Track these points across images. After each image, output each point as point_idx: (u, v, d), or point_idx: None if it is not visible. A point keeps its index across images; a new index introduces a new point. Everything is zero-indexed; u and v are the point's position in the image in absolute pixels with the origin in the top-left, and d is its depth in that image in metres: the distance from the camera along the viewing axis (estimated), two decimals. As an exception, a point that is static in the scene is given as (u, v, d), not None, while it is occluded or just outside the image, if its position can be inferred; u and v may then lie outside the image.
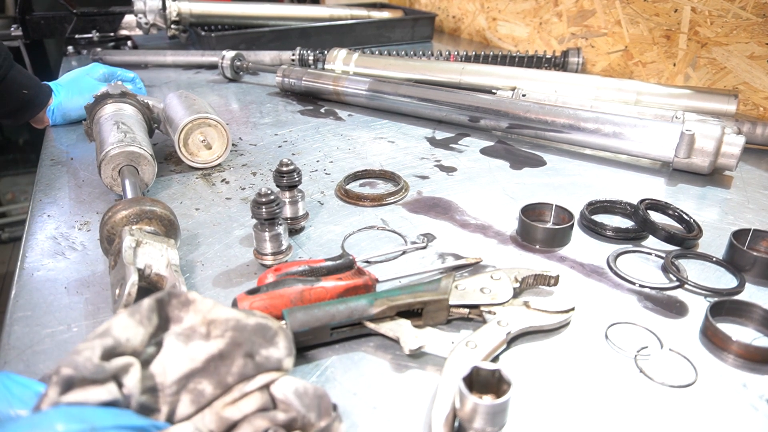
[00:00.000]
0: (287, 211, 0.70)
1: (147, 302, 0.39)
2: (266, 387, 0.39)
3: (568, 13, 1.52)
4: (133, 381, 0.36)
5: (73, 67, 1.50)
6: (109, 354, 0.36)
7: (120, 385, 0.36)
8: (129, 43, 1.76)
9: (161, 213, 0.61)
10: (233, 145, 1.00)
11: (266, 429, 0.37)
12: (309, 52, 1.45)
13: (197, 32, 1.65)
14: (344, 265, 0.58)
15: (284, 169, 0.67)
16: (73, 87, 1.07)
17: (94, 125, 0.88)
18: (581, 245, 0.69)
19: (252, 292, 0.53)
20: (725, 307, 0.55)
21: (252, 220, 0.71)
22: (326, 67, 1.37)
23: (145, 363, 0.39)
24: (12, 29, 1.74)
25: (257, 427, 0.36)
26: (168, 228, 0.62)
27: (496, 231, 0.72)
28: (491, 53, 1.43)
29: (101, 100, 0.89)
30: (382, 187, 0.85)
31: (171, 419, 0.37)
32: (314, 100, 1.26)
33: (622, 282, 0.61)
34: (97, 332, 0.38)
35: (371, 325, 0.51)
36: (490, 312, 0.53)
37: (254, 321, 0.40)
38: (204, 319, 0.40)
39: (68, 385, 0.34)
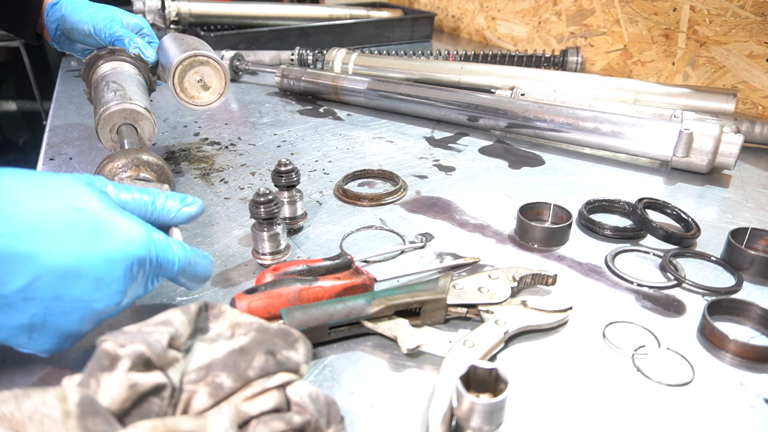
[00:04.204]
0: (286, 211, 0.70)
1: (194, 306, 0.41)
2: (283, 387, 0.39)
3: (567, 12, 1.52)
4: (176, 376, 0.37)
5: (73, 68, 1.51)
6: (169, 344, 0.38)
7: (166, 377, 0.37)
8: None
9: (148, 159, 0.61)
10: (232, 144, 1.00)
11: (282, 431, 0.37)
12: (308, 51, 1.45)
13: (196, 32, 1.65)
14: (342, 265, 0.59)
15: (283, 168, 0.67)
16: None
17: (92, 91, 0.85)
18: (579, 244, 0.69)
19: (250, 291, 0.53)
20: (723, 305, 0.56)
21: (250, 219, 0.71)
22: (325, 66, 1.37)
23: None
24: (11, 30, 1.74)
25: (274, 428, 0.37)
26: (159, 174, 0.62)
27: (494, 230, 0.72)
28: (490, 53, 1.43)
29: (92, 63, 0.86)
30: (381, 187, 0.85)
31: (186, 410, 0.37)
32: (313, 100, 1.26)
33: (620, 281, 0.61)
34: (157, 320, 0.39)
35: (369, 325, 0.51)
36: (487, 311, 0.53)
37: (277, 325, 0.42)
38: (230, 324, 0.42)
39: (138, 360, 0.35)
